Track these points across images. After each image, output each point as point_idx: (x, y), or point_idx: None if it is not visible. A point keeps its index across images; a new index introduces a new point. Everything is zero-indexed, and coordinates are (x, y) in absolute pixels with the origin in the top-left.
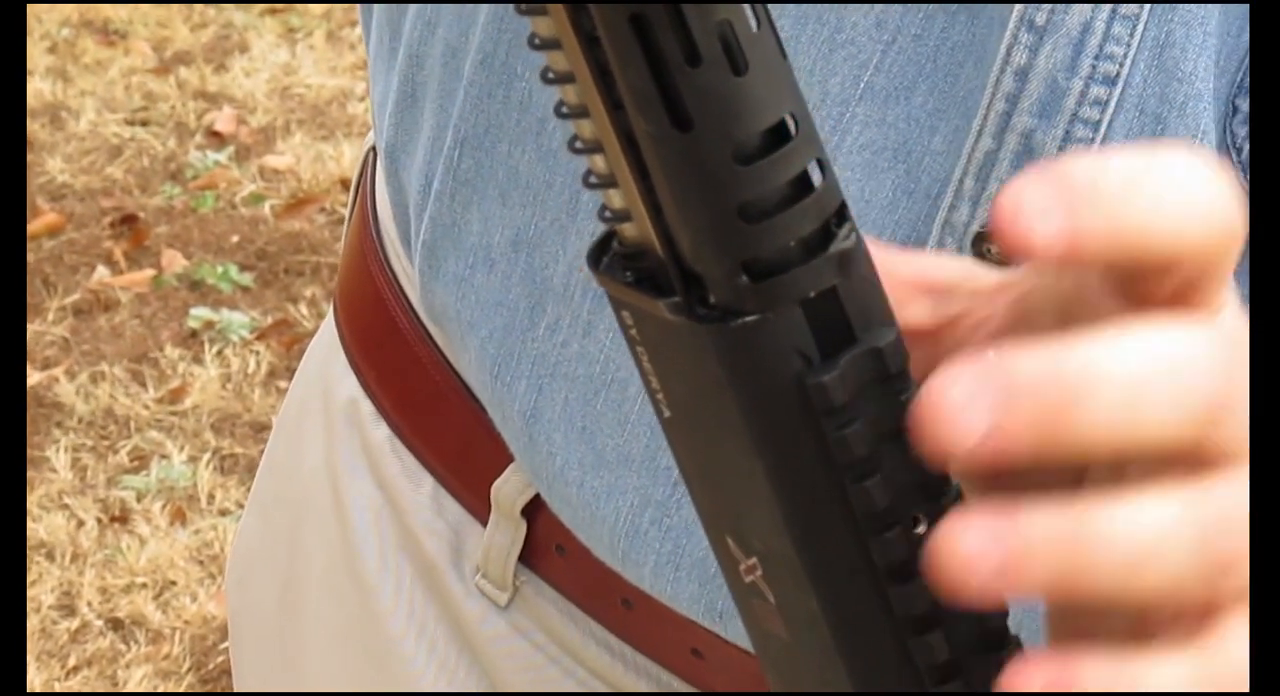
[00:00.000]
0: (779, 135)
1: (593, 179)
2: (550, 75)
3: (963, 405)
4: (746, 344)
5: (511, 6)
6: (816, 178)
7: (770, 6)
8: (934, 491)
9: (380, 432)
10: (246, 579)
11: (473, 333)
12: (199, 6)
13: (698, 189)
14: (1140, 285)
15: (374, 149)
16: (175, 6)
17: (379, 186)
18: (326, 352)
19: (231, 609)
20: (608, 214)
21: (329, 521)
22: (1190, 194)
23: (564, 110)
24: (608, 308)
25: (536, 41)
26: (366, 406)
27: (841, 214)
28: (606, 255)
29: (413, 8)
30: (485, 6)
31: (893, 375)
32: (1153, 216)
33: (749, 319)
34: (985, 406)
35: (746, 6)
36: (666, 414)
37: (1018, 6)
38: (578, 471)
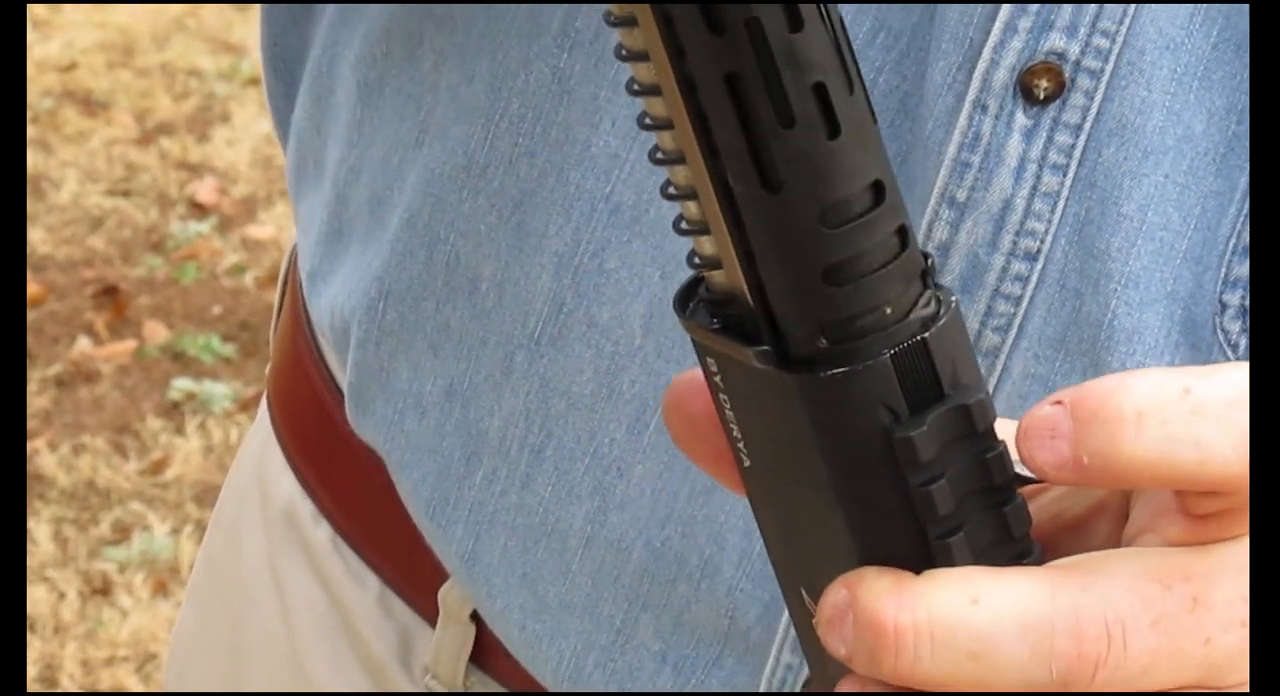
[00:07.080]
0: (867, 200)
1: (684, 225)
2: (647, 120)
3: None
4: (834, 395)
5: (442, 168)
6: (898, 244)
7: None
8: (1016, 552)
9: (322, 533)
10: (187, 673)
11: (405, 473)
12: (181, 76)
13: (783, 249)
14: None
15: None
16: (157, 77)
17: None
18: (262, 449)
19: None
20: (697, 260)
21: (273, 620)
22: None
23: (659, 155)
24: (545, 461)
25: (625, 53)
26: (307, 507)
27: (925, 280)
28: (693, 300)
29: (335, 149)
30: (415, 167)
31: (979, 434)
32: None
33: (838, 370)
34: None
35: (841, 69)
36: (746, 463)
37: (939, 183)
38: (519, 614)
